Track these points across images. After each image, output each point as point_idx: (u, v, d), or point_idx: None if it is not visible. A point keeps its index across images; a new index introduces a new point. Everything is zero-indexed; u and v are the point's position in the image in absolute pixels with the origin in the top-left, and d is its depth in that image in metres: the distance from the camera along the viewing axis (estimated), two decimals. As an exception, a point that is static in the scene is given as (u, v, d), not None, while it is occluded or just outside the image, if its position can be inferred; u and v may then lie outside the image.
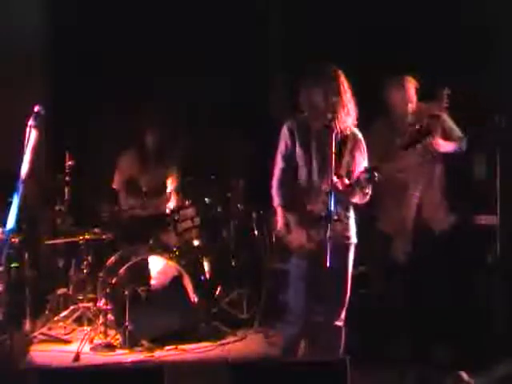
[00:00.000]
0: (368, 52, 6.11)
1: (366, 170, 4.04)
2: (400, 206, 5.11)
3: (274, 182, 4.29)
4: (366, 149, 4.28)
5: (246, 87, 6.69)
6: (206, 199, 6.06)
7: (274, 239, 5.88)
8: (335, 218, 3.98)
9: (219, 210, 6.20)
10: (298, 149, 4.23)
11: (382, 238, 5.18)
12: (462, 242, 5.38)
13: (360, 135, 4.26)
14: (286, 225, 4.21)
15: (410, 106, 5.16)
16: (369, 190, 4.13)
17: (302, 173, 4.24)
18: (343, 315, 4.24)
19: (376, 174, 3.97)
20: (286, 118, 4.36)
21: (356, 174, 4.13)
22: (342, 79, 4.18)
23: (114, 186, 5.91)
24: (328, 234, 3.85)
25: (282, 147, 4.28)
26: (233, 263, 6.31)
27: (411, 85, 5.16)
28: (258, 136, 6.55)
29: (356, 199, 4.19)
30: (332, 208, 3.91)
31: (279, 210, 4.26)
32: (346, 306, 4.24)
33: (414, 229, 5.10)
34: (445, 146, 5.09)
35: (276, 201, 4.27)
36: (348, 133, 4.19)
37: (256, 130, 6.54)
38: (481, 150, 5.66)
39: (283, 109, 6.76)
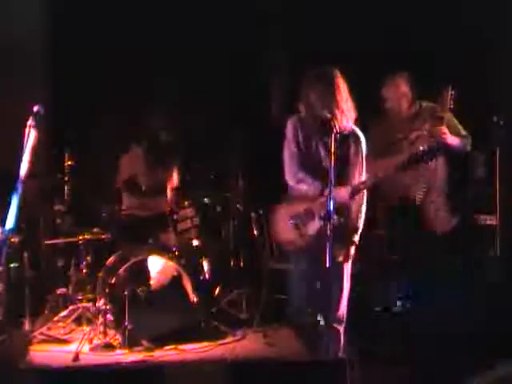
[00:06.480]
0: (368, 52, 6.11)
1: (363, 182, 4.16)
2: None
3: (291, 167, 4.26)
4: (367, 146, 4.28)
5: (246, 87, 6.69)
6: (205, 199, 6.05)
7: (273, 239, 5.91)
8: (334, 217, 3.98)
9: (218, 210, 6.19)
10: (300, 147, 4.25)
11: (381, 240, 5.17)
12: (464, 242, 5.39)
13: (361, 135, 4.25)
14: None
15: (404, 101, 5.15)
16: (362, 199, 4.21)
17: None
18: (343, 315, 4.24)
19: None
20: (288, 116, 4.36)
21: (354, 182, 4.17)
22: (340, 80, 4.17)
23: (117, 186, 5.91)
24: (328, 233, 3.85)
25: (289, 138, 4.26)
26: (232, 263, 6.31)
27: (403, 81, 5.15)
28: (257, 136, 6.55)
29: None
30: (331, 208, 3.91)
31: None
32: (346, 305, 4.24)
33: (418, 230, 5.08)
34: (451, 139, 5.03)
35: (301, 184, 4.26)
36: (347, 133, 4.19)
37: (256, 129, 6.54)
38: (481, 150, 5.66)
39: (283, 109, 6.78)
